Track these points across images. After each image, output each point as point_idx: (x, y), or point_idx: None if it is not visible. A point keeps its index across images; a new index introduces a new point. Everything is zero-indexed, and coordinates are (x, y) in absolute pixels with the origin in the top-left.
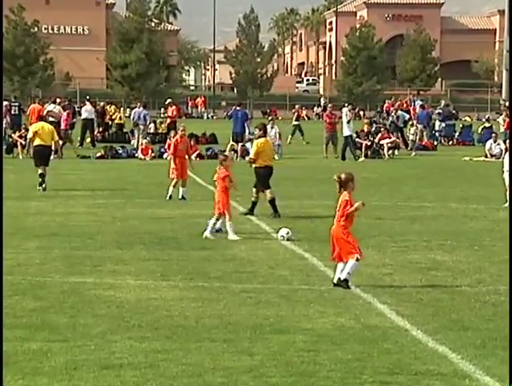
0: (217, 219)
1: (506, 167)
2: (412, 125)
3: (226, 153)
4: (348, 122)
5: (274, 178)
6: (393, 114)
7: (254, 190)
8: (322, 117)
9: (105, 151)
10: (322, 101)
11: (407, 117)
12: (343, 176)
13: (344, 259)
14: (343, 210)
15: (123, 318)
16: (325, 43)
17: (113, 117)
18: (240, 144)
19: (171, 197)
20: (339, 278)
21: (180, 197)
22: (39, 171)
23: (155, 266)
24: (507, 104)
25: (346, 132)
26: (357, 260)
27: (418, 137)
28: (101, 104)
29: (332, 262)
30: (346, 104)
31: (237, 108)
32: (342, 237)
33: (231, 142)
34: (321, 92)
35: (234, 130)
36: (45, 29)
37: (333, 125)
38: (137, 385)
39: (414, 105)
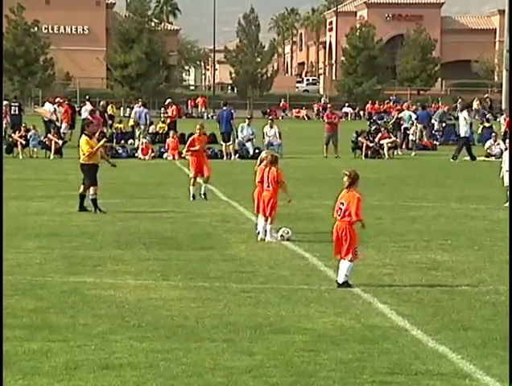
0: (266, 221)
1: (506, 167)
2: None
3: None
4: (471, 124)
5: None
6: (393, 115)
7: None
8: (322, 116)
9: (105, 151)
10: (322, 101)
11: (414, 117)
12: (354, 173)
13: (341, 256)
14: (358, 208)
15: (123, 318)
16: (325, 42)
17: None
18: (228, 143)
19: (194, 197)
20: (338, 282)
21: (202, 193)
22: None
23: (155, 266)
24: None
25: (464, 132)
26: (350, 261)
27: (418, 137)
28: (102, 102)
29: (336, 257)
30: (346, 105)
31: (224, 107)
32: (346, 233)
33: (221, 143)
34: (321, 91)
35: (221, 130)
36: (45, 29)
37: (333, 125)
38: (137, 385)
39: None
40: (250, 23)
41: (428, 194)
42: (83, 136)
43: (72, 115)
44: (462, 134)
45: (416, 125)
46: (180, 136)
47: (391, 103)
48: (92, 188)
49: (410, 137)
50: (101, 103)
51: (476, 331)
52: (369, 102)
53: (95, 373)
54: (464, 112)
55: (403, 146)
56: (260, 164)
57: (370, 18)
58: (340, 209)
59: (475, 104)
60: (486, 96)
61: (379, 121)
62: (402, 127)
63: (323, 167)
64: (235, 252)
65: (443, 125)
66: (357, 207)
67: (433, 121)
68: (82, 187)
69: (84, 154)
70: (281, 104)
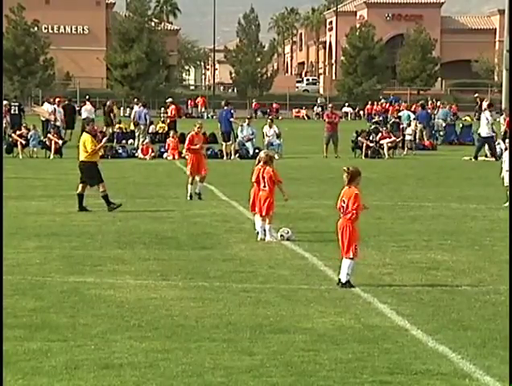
0: (263, 221)
1: (506, 167)
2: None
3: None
4: (493, 124)
5: None
6: (392, 115)
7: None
8: (322, 116)
9: (105, 151)
10: (318, 101)
11: (412, 116)
12: (352, 169)
13: (343, 254)
14: (354, 204)
15: (123, 318)
16: (325, 42)
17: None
18: (228, 143)
19: (191, 196)
20: (341, 282)
21: (197, 192)
22: None
23: (155, 266)
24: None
25: (485, 132)
26: (351, 259)
27: (418, 137)
28: (108, 102)
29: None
30: (346, 105)
31: (225, 107)
32: (346, 231)
33: (221, 142)
34: (321, 91)
35: (221, 130)
36: (45, 29)
37: (333, 125)
38: (137, 385)
39: (393, 105)
40: (250, 23)
41: (428, 194)
42: (86, 134)
43: (69, 116)
44: (484, 134)
45: (416, 125)
46: (180, 136)
47: (384, 102)
48: (101, 185)
49: (407, 137)
50: (108, 103)
51: (476, 331)
52: (369, 103)
53: (95, 373)
54: (487, 112)
55: (406, 147)
56: (258, 164)
57: (370, 17)
58: (342, 207)
59: (484, 105)
60: (476, 95)
61: (375, 120)
62: (401, 127)
63: (323, 167)
64: (235, 252)
65: (444, 124)
66: (353, 202)
67: (437, 119)
68: (81, 187)
69: (86, 152)
70: (253, 105)
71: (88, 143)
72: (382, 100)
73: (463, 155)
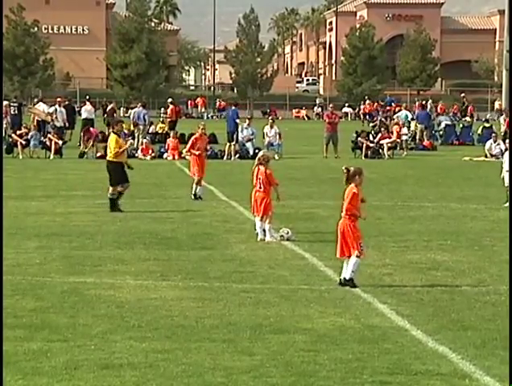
0: (261, 221)
1: (506, 167)
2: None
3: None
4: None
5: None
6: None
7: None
8: (322, 116)
9: (105, 151)
10: (317, 101)
11: (410, 116)
12: (351, 169)
13: (347, 253)
14: (350, 203)
15: (123, 318)
16: (325, 42)
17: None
18: (232, 143)
19: (195, 195)
20: (344, 278)
21: (198, 194)
22: None
23: (155, 266)
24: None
25: None
26: (357, 256)
27: (418, 137)
28: (111, 104)
29: (340, 259)
30: (346, 105)
31: (233, 107)
32: (348, 230)
33: (226, 143)
34: (321, 92)
35: (227, 130)
36: (45, 29)
37: (333, 125)
38: (137, 385)
39: (390, 105)
40: (250, 23)
41: (428, 194)
42: (113, 135)
43: (69, 116)
44: None
45: (416, 125)
46: (180, 136)
47: (371, 102)
48: (115, 187)
49: (403, 137)
50: (111, 105)
51: (476, 331)
52: (367, 103)
53: (95, 373)
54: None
55: (403, 147)
56: (257, 166)
57: (370, 18)
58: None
59: (497, 105)
60: (463, 95)
61: (373, 124)
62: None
63: (323, 167)
64: (235, 252)
65: (444, 125)
66: (349, 201)
67: (444, 120)
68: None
69: (111, 152)
70: (217, 104)
71: (113, 144)
72: (368, 101)
73: (463, 155)
